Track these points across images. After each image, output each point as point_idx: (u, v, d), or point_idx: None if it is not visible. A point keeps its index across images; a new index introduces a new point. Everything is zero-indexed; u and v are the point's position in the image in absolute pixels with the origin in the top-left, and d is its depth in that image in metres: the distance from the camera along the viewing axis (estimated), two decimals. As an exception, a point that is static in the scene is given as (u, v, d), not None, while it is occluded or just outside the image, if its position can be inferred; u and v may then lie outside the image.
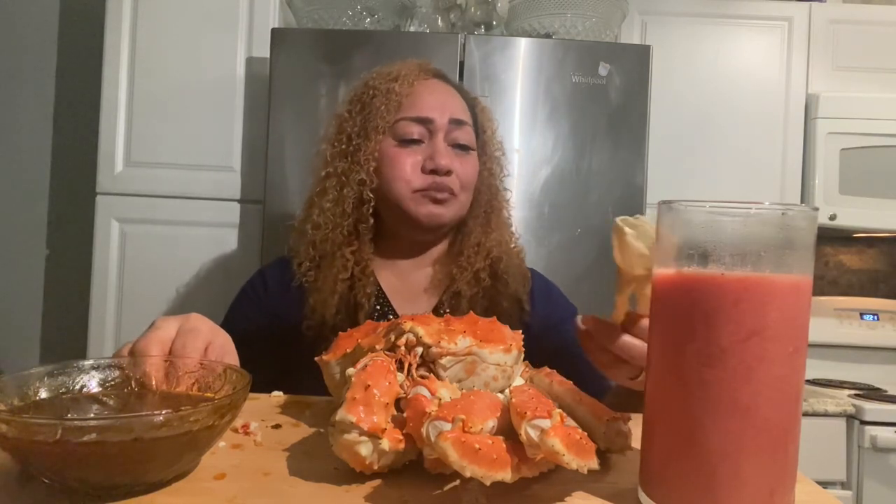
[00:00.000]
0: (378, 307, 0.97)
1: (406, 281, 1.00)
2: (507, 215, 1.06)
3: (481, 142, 1.03)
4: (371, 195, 0.95)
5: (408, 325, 0.54)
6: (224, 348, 0.64)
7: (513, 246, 1.04)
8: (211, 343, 0.62)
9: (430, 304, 0.98)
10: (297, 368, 0.79)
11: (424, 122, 0.94)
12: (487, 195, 1.02)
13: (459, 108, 0.98)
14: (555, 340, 0.93)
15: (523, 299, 0.99)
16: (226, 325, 1.01)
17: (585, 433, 0.45)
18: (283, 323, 0.95)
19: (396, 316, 0.96)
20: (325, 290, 0.93)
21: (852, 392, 2.04)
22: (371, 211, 0.96)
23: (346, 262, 0.94)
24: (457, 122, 0.96)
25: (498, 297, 0.98)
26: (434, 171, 0.93)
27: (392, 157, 0.94)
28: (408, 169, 0.93)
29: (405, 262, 1.01)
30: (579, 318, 0.59)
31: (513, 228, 1.07)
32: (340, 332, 0.65)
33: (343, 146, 0.97)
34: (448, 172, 0.93)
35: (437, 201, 0.94)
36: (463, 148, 0.97)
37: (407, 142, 0.94)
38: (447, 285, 0.97)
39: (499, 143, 1.07)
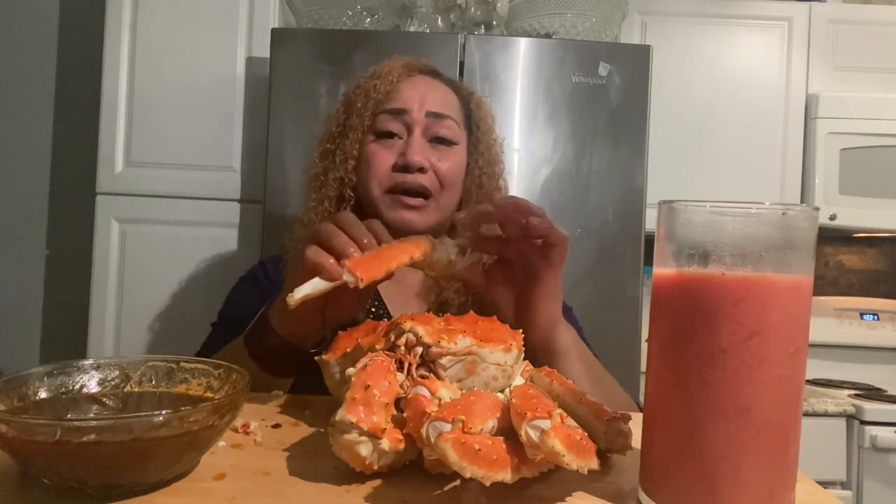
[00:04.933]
0: (373, 309, 0.96)
1: (400, 283, 0.98)
2: None
3: (474, 138, 0.99)
4: (351, 193, 0.94)
5: (408, 325, 0.54)
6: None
7: None
8: None
9: (422, 310, 0.95)
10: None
11: (400, 113, 0.92)
12: (478, 195, 0.97)
13: (441, 102, 0.94)
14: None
15: None
16: (226, 308, 1.02)
17: (586, 433, 0.45)
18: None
19: (391, 318, 0.95)
20: None
21: (852, 392, 2.04)
22: (350, 209, 0.93)
23: None
24: (435, 116, 0.92)
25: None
26: (405, 169, 0.90)
27: (368, 154, 0.92)
28: (381, 167, 0.91)
29: None
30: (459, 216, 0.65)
31: None
32: (340, 332, 0.65)
33: (327, 145, 0.97)
34: (421, 169, 0.90)
35: (409, 206, 0.90)
36: (444, 142, 0.93)
37: (384, 137, 0.92)
38: (437, 293, 0.94)
39: (496, 140, 1.02)
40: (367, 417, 0.44)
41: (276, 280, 0.99)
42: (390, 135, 0.92)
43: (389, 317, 0.96)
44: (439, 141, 0.93)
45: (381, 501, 0.43)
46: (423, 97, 0.93)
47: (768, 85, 2.18)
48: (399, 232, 0.92)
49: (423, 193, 0.91)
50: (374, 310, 0.96)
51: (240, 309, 0.96)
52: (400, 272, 0.99)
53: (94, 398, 0.52)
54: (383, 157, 0.91)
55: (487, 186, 0.98)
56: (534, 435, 0.41)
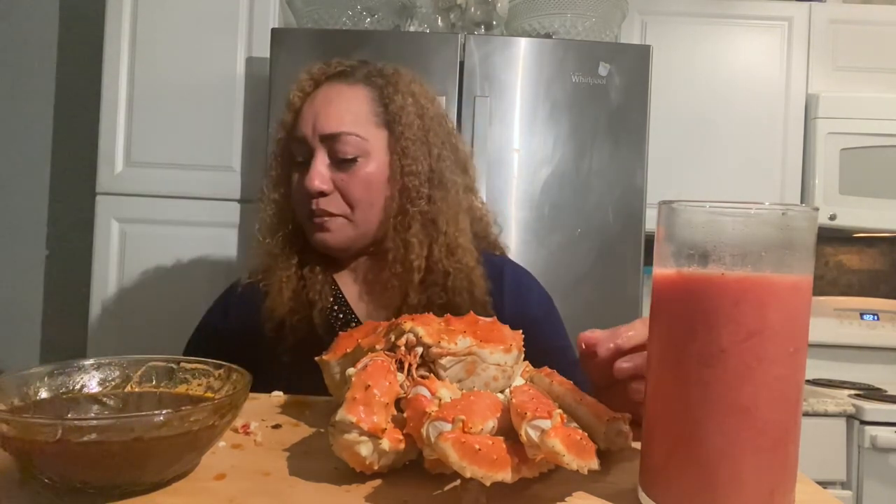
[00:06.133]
0: (342, 315, 0.95)
1: (365, 286, 0.98)
2: (451, 217, 0.92)
3: (396, 133, 0.91)
4: (288, 215, 0.95)
5: (408, 325, 0.54)
6: None
7: (460, 257, 0.91)
8: None
9: (386, 307, 0.94)
10: (268, 370, 0.79)
11: (301, 142, 0.91)
12: (399, 201, 0.91)
13: (337, 116, 0.89)
14: (531, 337, 0.87)
15: (490, 313, 0.90)
16: (194, 334, 1.02)
17: (586, 433, 0.45)
18: (247, 335, 0.95)
19: (359, 322, 0.95)
20: (274, 291, 0.93)
21: (852, 392, 2.04)
22: (293, 227, 0.95)
23: (291, 263, 0.94)
24: (329, 137, 0.89)
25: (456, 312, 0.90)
26: (308, 195, 0.89)
27: (292, 182, 0.94)
28: (298, 195, 0.92)
29: (360, 265, 0.99)
30: (581, 338, 0.60)
31: (468, 228, 0.94)
32: (340, 332, 0.66)
33: (268, 167, 0.99)
34: (322, 193, 0.89)
35: (319, 227, 0.91)
36: (348, 161, 0.89)
37: (300, 165, 0.92)
38: (402, 294, 0.92)
39: (425, 130, 0.93)
40: (368, 417, 0.44)
41: (234, 313, 0.99)
42: (302, 162, 0.92)
43: (355, 318, 0.95)
44: (342, 161, 0.90)
45: (381, 501, 0.43)
46: (315, 118, 0.90)
47: (768, 85, 2.18)
48: (323, 251, 0.93)
49: (327, 214, 0.90)
50: (341, 315, 0.95)
51: (203, 349, 0.98)
52: (362, 273, 0.98)
53: (94, 398, 0.52)
54: (299, 185, 0.92)
55: (413, 188, 0.91)
56: (534, 435, 0.41)
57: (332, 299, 0.95)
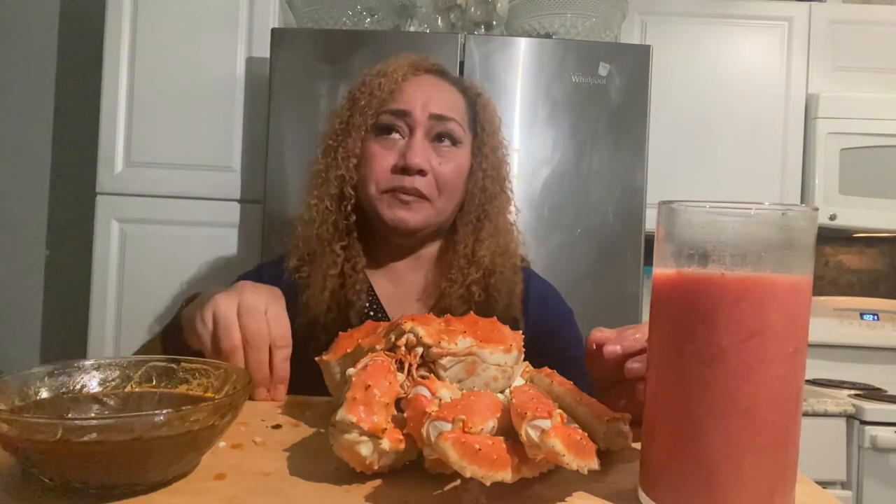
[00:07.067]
0: (371, 313, 0.95)
1: (400, 287, 0.98)
2: (506, 223, 0.99)
3: (479, 140, 0.98)
4: (352, 192, 0.93)
5: (408, 326, 0.54)
6: (279, 319, 0.70)
7: (509, 258, 0.97)
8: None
9: (421, 314, 0.95)
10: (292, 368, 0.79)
11: (402, 115, 0.91)
12: (480, 198, 0.96)
13: (445, 103, 0.94)
14: (548, 346, 0.91)
15: (517, 317, 0.95)
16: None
17: (586, 433, 0.45)
18: None
19: (388, 320, 0.95)
20: (316, 287, 0.91)
21: (852, 392, 2.04)
22: (351, 208, 0.94)
23: (336, 258, 0.92)
24: (439, 118, 0.92)
25: (489, 314, 0.92)
26: (405, 171, 0.89)
27: (369, 154, 0.92)
28: (381, 168, 0.91)
29: (399, 265, 0.99)
30: (591, 339, 0.62)
31: (515, 236, 1.01)
32: (341, 332, 0.66)
33: (330, 142, 0.96)
34: (421, 172, 0.89)
35: (403, 203, 0.90)
36: (448, 142, 0.93)
37: (386, 136, 0.92)
38: (438, 298, 0.94)
39: (501, 142, 1.01)
40: (368, 417, 0.44)
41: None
42: (392, 134, 0.92)
43: (387, 319, 0.95)
44: (443, 140, 0.92)
45: (381, 501, 0.43)
46: (426, 98, 0.92)
47: (768, 85, 2.18)
48: (394, 230, 0.92)
49: (418, 193, 0.90)
50: (371, 312, 0.95)
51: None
52: (399, 273, 0.99)
53: (94, 398, 0.52)
54: (383, 158, 0.91)
55: (490, 190, 0.97)
56: (534, 435, 0.41)
57: (364, 295, 0.95)
